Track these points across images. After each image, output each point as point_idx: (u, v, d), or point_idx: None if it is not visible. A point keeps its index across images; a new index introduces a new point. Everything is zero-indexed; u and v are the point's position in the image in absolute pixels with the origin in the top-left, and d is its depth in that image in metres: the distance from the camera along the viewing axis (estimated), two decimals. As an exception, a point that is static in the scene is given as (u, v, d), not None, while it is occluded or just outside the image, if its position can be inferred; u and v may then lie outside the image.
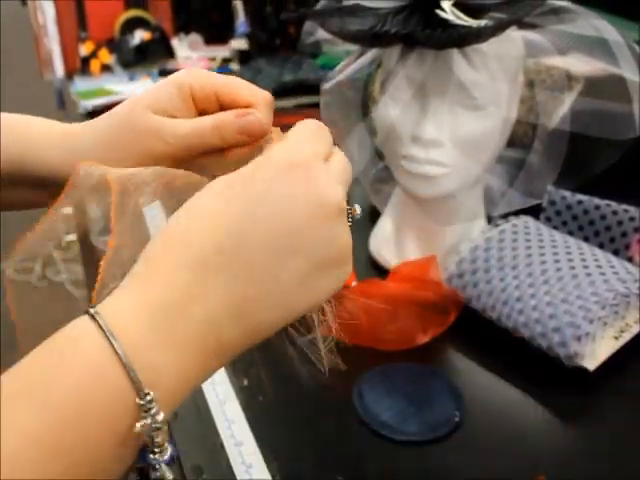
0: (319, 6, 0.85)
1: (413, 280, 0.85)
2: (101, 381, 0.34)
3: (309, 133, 0.44)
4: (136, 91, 1.69)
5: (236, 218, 0.39)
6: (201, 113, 0.52)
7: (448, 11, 0.73)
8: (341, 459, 0.67)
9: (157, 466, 0.37)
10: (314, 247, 0.40)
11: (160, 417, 0.35)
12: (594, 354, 0.74)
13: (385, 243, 0.97)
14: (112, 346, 0.34)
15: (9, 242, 0.48)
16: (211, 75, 0.52)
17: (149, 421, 0.35)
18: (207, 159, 0.51)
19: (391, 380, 0.75)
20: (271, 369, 0.80)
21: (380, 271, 0.95)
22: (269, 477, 0.64)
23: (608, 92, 0.80)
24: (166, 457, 0.37)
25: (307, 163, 0.42)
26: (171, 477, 0.38)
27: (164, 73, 1.84)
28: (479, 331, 0.83)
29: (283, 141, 0.43)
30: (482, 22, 0.72)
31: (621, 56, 0.75)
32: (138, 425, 0.34)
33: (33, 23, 1.90)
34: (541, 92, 0.83)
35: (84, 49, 1.94)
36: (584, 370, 0.74)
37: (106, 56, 1.93)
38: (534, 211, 0.90)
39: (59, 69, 1.94)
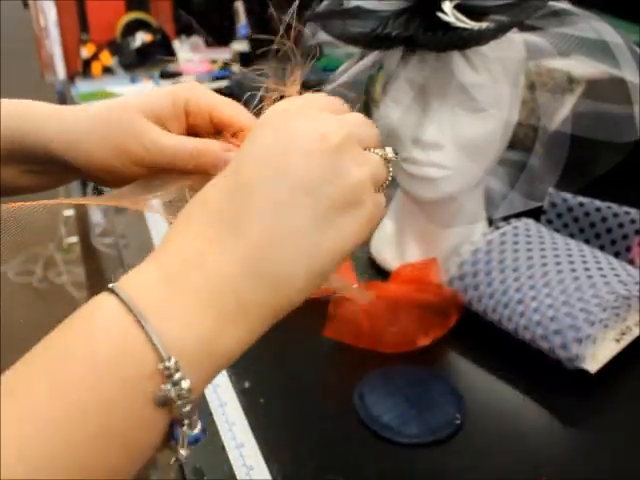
0: (320, 9, 0.85)
1: (414, 282, 0.85)
2: (120, 346, 0.34)
3: (318, 96, 0.45)
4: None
5: (240, 170, 0.39)
6: (191, 127, 0.53)
7: (449, 13, 0.73)
8: (342, 461, 0.67)
9: (180, 441, 0.36)
10: (318, 184, 0.38)
11: (186, 384, 0.34)
12: (595, 357, 0.74)
13: (386, 245, 0.97)
14: (129, 310, 0.34)
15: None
16: (209, 94, 0.53)
17: (171, 387, 0.34)
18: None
19: (392, 382, 0.75)
20: (272, 371, 0.80)
21: (381, 273, 0.95)
22: (270, 479, 0.64)
23: (609, 94, 0.79)
24: (196, 431, 0.37)
25: (307, 104, 0.43)
26: (184, 454, 0.37)
27: (165, 75, 1.84)
28: (480, 333, 0.83)
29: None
30: (483, 25, 0.72)
31: (622, 58, 0.75)
32: (161, 388, 0.34)
33: (34, 25, 1.91)
34: (542, 94, 0.83)
35: (85, 51, 1.94)
36: (585, 373, 0.74)
37: (107, 58, 1.93)
38: (535, 213, 0.90)
39: (60, 71, 1.94)
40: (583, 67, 0.92)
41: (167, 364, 0.34)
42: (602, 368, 0.74)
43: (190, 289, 0.36)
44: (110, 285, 0.36)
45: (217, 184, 0.40)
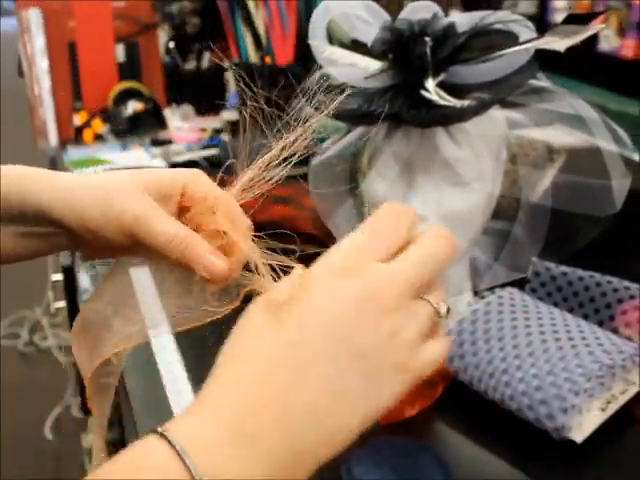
0: (307, 85, 0.87)
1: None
2: None
3: (372, 228, 0.46)
4: (128, 160, 1.72)
5: (292, 331, 0.40)
6: (182, 208, 0.54)
7: (432, 91, 0.75)
8: (329, 535, 0.67)
9: None
10: (372, 350, 0.40)
11: None
12: (581, 426, 0.75)
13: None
14: (183, 460, 0.35)
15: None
16: (208, 183, 0.54)
17: None
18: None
19: (379, 454, 0.75)
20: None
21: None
22: None
23: (588, 166, 0.82)
24: None
25: (357, 266, 0.42)
26: None
27: (156, 143, 1.87)
28: (467, 403, 0.83)
29: (337, 246, 0.44)
30: (465, 102, 0.75)
31: (598, 132, 0.77)
32: None
33: (29, 93, 1.94)
34: (524, 167, 0.85)
35: (78, 119, 1.97)
36: (571, 442, 0.74)
37: (99, 126, 1.96)
38: (519, 281, 0.91)
39: (53, 138, 1.96)
40: (563, 136, 0.95)
41: None
42: (588, 438, 0.75)
43: (247, 445, 0.37)
44: (162, 430, 0.37)
45: (276, 337, 0.40)
